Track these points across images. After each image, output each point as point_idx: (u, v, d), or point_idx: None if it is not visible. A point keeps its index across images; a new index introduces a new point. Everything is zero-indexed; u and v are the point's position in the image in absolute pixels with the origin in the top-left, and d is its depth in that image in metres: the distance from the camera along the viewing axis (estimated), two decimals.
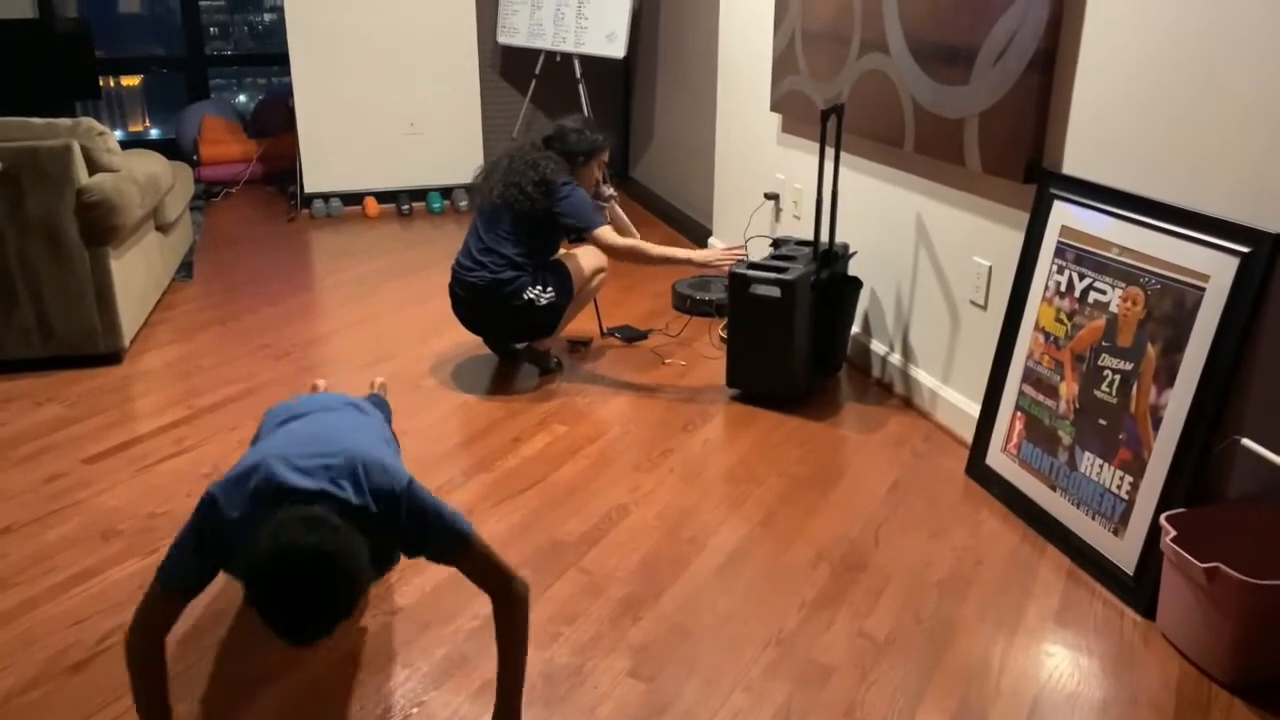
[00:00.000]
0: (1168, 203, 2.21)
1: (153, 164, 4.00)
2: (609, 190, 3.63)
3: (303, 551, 1.43)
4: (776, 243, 3.46)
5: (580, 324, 3.94)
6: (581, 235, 3.26)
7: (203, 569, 1.66)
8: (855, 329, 3.58)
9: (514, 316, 3.27)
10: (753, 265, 3.16)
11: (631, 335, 3.83)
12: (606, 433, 3.04)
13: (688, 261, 3.23)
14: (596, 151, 3.39)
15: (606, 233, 3.21)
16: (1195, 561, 1.91)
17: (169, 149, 6.07)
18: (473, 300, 3.29)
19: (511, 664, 1.76)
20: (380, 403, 2.71)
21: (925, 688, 1.95)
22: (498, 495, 2.68)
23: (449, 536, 1.71)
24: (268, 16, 8.73)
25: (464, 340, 3.80)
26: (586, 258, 3.45)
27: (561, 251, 3.46)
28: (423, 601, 2.21)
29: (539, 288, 3.27)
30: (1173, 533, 2.00)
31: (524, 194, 3.20)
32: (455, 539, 1.71)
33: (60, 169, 3.35)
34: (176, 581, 1.65)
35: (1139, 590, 2.17)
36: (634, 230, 3.97)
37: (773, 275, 3.07)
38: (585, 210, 3.22)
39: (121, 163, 3.62)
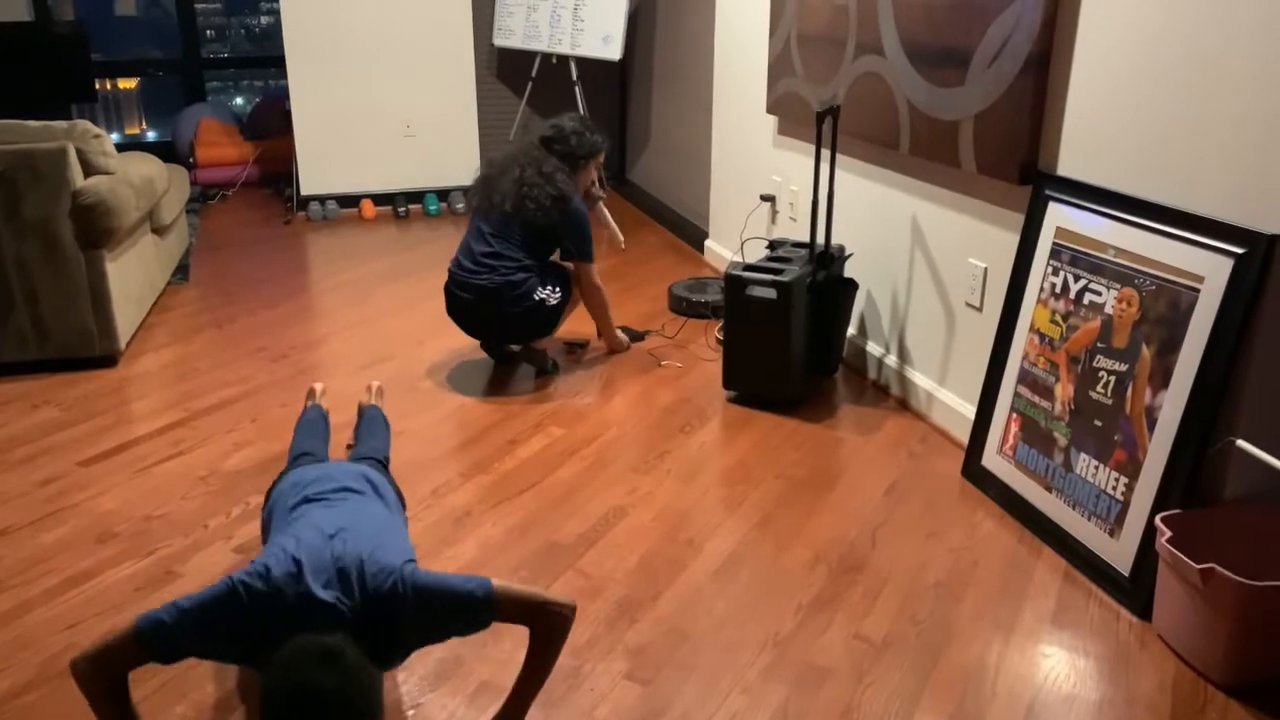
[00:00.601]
0: (1162, 204, 2.21)
1: (148, 166, 3.99)
2: (600, 192, 3.69)
3: (322, 695, 1.45)
4: (772, 244, 3.46)
5: (577, 326, 3.94)
6: (570, 256, 3.44)
7: (191, 647, 1.62)
8: (851, 331, 3.58)
9: (522, 317, 3.32)
10: (749, 267, 3.16)
11: (628, 337, 3.82)
12: (603, 435, 3.04)
13: (610, 339, 3.67)
14: (596, 153, 3.52)
15: (593, 271, 3.48)
16: (1191, 563, 1.91)
17: (165, 152, 6.07)
18: (478, 303, 3.31)
19: (532, 679, 1.77)
20: (376, 417, 2.71)
21: (922, 689, 1.95)
22: (495, 497, 2.68)
23: (468, 608, 1.67)
24: (264, 19, 8.73)
25: (460, 343, 3.80)
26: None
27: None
28: None
29: (548, 288, 3.35)
30: (1168, 534, 2.00)
31: (540, 207, 3.30)
32: (477, 607, 1.67)
33: (56, 171, 3.35)
34: (159, 642, 1.60)
35: (1135, 592, 2.18)
36: (619, 233, 4.03)
37: (769, 277, 3.07)
38: (587, 240, 3.42)
39: (117, 165, 3.62)
